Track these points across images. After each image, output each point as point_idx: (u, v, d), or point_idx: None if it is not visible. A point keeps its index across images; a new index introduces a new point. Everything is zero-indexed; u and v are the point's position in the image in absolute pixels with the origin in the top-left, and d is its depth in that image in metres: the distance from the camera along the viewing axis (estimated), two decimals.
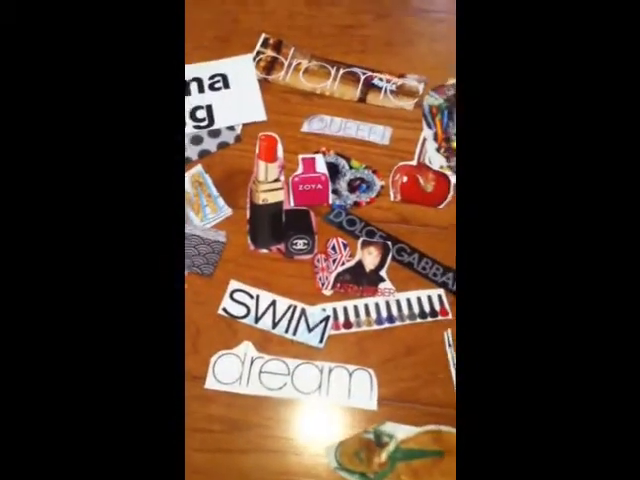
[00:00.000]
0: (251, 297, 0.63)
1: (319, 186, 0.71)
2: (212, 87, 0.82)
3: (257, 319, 0.62)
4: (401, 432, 0.55)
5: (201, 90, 0.82)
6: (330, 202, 0.70)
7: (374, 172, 0.73)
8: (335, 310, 0.62)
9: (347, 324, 0.61)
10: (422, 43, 0.87)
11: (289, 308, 0.62)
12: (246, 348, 0.60)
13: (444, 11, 0.92)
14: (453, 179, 0.72)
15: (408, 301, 0.63)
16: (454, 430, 0.55)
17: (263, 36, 0.85)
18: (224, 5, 0.88)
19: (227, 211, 0.71)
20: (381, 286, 0.64)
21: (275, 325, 0.61)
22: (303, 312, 0.62)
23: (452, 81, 0.82)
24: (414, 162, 0.74)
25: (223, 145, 0.76)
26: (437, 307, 0.63)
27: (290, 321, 0.61)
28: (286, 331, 0.61)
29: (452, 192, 0.71)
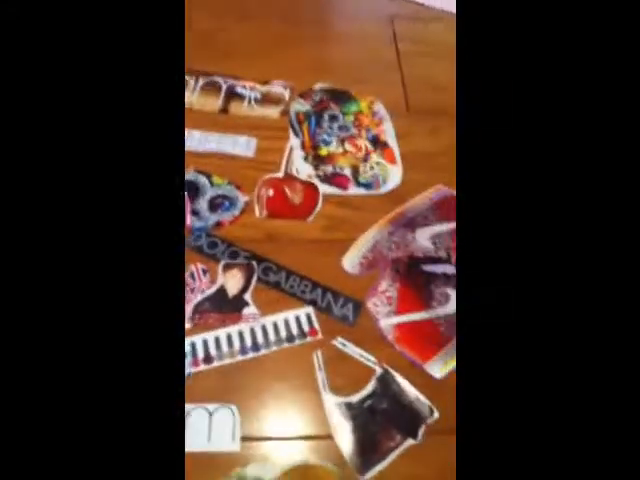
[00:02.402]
0: None
1: None
2: None
3: None
4: (268, 473, 0.50)
5: None
6: (189, 224, 0.65)
7: (238, 187, 0.68)
8: (194, 344, 0.56)
9: (207, 359, 0.56)
10: (287, 47, 0.83)
11: None
12: None
13: (311, 14, 0.89)
14: (321, 188, 0.69)
15: (274, 325, 0.58)
16: (321, 463, 0.51)
17: None
18: None
19: None
20: (245, 312, 0.59)
21: None
22: None
23: (319, 85, 0.79)
24: (280, 174, 0.70)
25: None
26: (306, 327, 0.59)
27: None
28: None
29: (320, 203, 0.68)
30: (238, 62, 0.79)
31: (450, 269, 0.64)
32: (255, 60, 0.80)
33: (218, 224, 0.65)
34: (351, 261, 0.65)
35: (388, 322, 0.61)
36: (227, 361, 0.56)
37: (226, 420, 0.53)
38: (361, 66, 0.84)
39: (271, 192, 0.68)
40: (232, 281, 0.60)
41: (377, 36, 0.88)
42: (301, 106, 0.76)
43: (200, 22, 0.83)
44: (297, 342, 0.58)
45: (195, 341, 0.57)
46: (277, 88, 0.77)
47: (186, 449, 0.51)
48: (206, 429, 0.52)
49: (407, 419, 0.55)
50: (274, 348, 0.57)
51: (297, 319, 0.59)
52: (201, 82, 0.77)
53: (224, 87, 0.76)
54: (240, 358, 0.56)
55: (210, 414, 0.53)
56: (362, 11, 0.91)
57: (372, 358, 0.58)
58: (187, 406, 0.53)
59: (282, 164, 0.70)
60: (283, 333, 0.58)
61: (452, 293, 0.63)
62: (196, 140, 0.71)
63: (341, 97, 0.79)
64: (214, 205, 0.66)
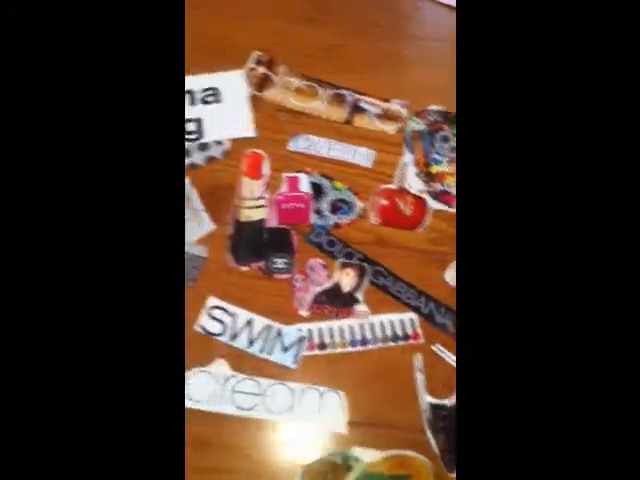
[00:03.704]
0: (229, 315, 0.64)
1: (302, 205, 0.72)
2: (204, 100, 0.83)
3: (233, 337, 0.63)
4: (368, 456, 0.56)
5: (193, 103, 0.83)
6: (311, 222, 0.72)
7: (355, 194, 0.74)
8: (310, 331, 0.63)
9: (322, 345, 0.63)
10: (407, 68, 0.89)
11: (265, 328, 0.63)
12: (220, 366, 0.61)
13: (434, 38, 0.94)
14: (430, 203, 0.74)
15: (381, 324, 0.64)
16: (417, 455, 0.56)
17: (256, 54, 0.86)
18: (214, 21, 0.89)
19: (210, 226, 0.71)
20: (356, 308, 0.65)
21: (251, 344, 0.62)
22: (279, 332, 0.63)
23: (434, 107, 0.84)
24: (394, 185, 0.75)
25: (211, 159, 0.77)
26: (409, 331, 0.64)
27: (266, 341, 0.62)
28: (261, 351, 0.62)
29: (429, 217, 0.73)
30: (362, 78, 0.86)
31: None
32: (376, 77, 0.86)
33: (336, 225, 0.72)
34: (452, 274, 0.69)
35: None
36: (338, 350, 0.63)
37: (334, 403, 0.59)
38: None
39: (385, 202, 0.74)
40: (346, 279, 0.67)
41: None
42: (417, 125, 0.82)
43: (330, 38, 0.90)
44: (400, 342, 0.63)
45: (312, 328, 0.64)
46: (396, 106, 0.83)
47: (298, 423, 0.58)
48: (316, 408, 0.59)
49: None
50: (379, 345, 0.63)
51: (401, 322, 0.65)
52: (329, 93, 0.83)
53: (350, 100, 0.83)
54: (349, 349, 0.63)
55: (320, 395, 0.59)
56: None
57: None
58: (300, 385, 0.60)
59: (396, 177, 0.76)
60: (389, 332, 0.64)
61: None
62: (323, 146, 0.78)
63: (453, 120, 0.84)
64: (334, 207, 0.73)
